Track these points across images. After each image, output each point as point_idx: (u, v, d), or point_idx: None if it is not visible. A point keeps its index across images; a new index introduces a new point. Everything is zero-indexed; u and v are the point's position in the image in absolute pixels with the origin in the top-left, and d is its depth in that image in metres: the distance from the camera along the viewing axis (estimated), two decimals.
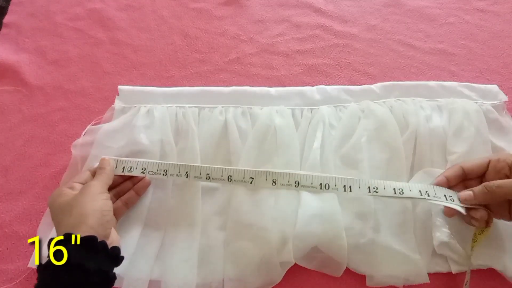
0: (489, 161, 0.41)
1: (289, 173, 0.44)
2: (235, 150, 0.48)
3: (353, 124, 0.50)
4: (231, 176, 0.44)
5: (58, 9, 0.65)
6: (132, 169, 0.45)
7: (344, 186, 0.43)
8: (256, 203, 0.44)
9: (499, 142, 0.50)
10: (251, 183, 0.44)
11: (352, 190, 0.42)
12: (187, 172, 0.44)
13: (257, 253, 0.42)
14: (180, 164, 0.45)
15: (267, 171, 0.44)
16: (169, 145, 0.48)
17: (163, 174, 0.44)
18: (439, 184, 0.42)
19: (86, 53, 0.61)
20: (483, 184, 0.39)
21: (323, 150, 0.48)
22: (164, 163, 0.45)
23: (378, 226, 0.44)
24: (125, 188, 0.45)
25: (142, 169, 0.45)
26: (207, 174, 0.44)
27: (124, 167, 0.45)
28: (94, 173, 0.43)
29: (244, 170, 0.44)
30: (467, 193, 0.40)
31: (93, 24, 0.64)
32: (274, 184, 0.43)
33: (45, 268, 0.33)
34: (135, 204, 0.45)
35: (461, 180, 0.42)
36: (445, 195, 0.41)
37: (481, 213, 0.39)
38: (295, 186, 0.43)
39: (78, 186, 0.40)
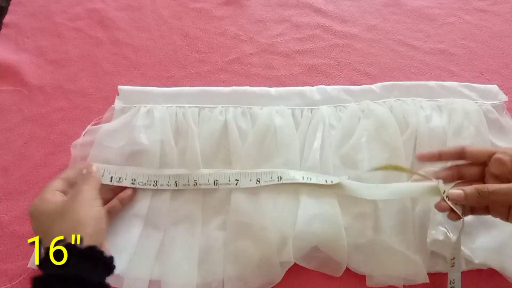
0: (495, 152, 0.39)
1: (272, 171, 0.45)
2: (235, 150, 0.48)
3: (353, 124, 0.50)
4: (217, 181, 0.45)
5: (58, 9, 0.65)
6: (121, 180, 0.44)
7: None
8: (256, 203, 0.44)
9: (499, 142, 0.50)
10: (236, 184, 0.45)
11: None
12: (176, 181, 0.45)
13: (257, 253, 0.42)
14: (169, 175, 0.45)
15: (251, 172, 0.45)
16: (169, 145, 0.48)
17: (153, 185, 0.45)
18: (430, 154, 0.42)
19: (86, 53, 0.61)
20: (475, 187, 0.37)
21: (323, 150, 0.48)
22: (154, 174, 0.45)
23: (378, 226, 0.44)
24: (107, 198, 0.43)
25: (132, 180, 0.45)
26: (194, 180, 0.45)
27: (112, 177, 0.44)
28: (68, 180, 0.40)
29: (230, 173, 0.45)
30: (457, 192, 0.38)
31: (93, 24, 0.64)
32: (258, 183, 0.45)
33: (40, 280, 0.32)
34: (119, 211, 0.44)
35: (457, 157, 0.41)
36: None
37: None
38: (278, 180, 0.45)
39: (58, 194, 0.38)
